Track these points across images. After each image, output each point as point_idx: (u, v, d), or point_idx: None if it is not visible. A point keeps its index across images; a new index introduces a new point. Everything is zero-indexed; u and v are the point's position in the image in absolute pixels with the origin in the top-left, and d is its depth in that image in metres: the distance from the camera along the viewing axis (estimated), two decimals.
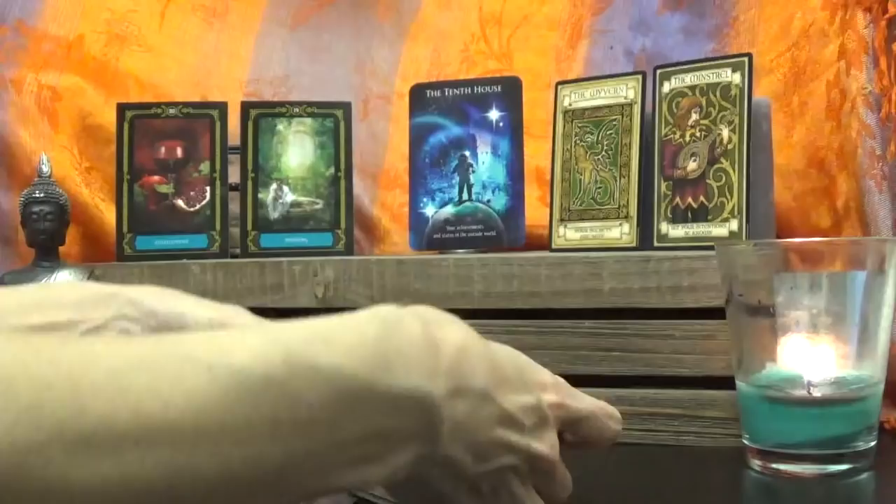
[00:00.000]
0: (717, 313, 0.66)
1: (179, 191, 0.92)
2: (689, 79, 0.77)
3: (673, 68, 0.79)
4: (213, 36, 1.12)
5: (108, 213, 1.00)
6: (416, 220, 0.88)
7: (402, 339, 0.36)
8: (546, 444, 0.44)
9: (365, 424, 0.35)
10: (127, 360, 0.31)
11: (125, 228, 0.92)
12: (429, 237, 0.87)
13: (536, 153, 0.94)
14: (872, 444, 0.61)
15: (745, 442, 0.63)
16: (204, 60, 1.11)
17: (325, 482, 0.35)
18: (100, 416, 0.29)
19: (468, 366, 0.39)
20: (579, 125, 0.83)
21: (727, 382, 0.65)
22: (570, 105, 0.84)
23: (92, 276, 0.87)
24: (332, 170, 0.92)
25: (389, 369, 0.35)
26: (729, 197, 0.73)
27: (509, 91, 0.87)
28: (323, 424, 0.33)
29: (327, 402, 0.33)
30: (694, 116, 0.76)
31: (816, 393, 0.61)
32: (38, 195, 0.90)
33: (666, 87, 0.78)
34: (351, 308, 0.44)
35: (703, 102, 0.76)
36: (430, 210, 0.87)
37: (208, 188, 0.92)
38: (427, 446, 0.37)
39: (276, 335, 0.34)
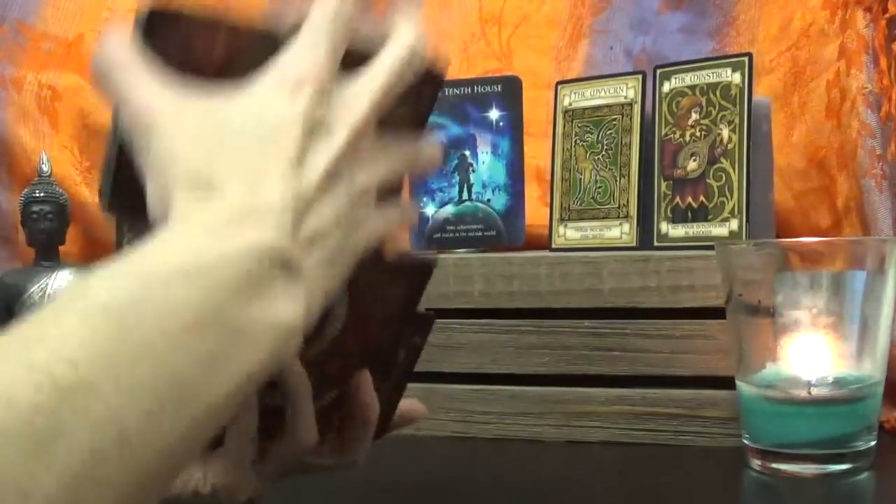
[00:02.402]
0: (717, 313, 0.66)
1: None
2: (689, 78, 0.77)
3: (673, 68, 0.79)
4: None
5: None
6: (416, 219, 0.88)
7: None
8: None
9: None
10: None
11: (125, 228, 0.92)
12: (429, 237, 0.87)
13: (536, 153, 0.94)
14: (872, 444, 0.61)
15: (745, 442, 0.63)
16: None
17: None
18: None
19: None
20: (579, 125, 0.83)
21: (727, 382, 0.65)
22: (570, 105, 0.84)
23: None
24: None
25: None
26: (729, 197, 0.73)
27: (509, 91, 0.87)
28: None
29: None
30: (694, 116, 0.76)
31: (816, 393, 0.61)
32: (38, 195, 0.90)
33: (666, 87, 0.78)
34: None
35: (704, 102, 0.76)
36: (430, 209, 0.87)
37: None
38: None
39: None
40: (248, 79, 0.39)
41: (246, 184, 0.36)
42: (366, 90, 0.40)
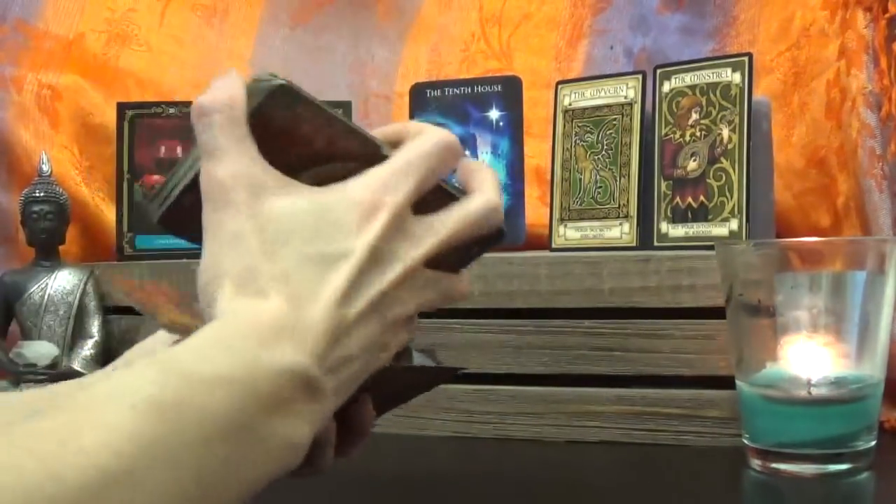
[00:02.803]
0: (717, 313, 0.66)
1: None
2: (690, 78, 0.77)
3: (673, 68, 0.79)
4: (213, 35, 1.12)
5: (108, 213, 1.00)
6: None
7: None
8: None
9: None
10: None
11: (125, 227, 0.92)
12: None
13: (536, 153, 0.94)
14: (872, 444, 0.61)
15: (745, 442, 0.63)
16: (204, 60, 1.11)
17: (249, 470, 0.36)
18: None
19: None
20: (579, 125, 0.83)
21: (727, 382, 0.65)
22: (570, 105, 0.84)
23: (92, 275, 0.87)
24: None
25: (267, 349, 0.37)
26: (729, 196, 0.73)
27: (509, 91, 0.87)
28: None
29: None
30: (694, 116, 0.76)
31: (816, 393, 0.61)
32: (38, 194, 0.90)
33: (666, 87, 0.78)
34: None
35: (704, 102, 0.76)
36: None
37: None
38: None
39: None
40: (334, 176, 0.40)
41: (294, 298, 0.38)
42: (435, 231, 0.41)
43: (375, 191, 0.40)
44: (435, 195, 0.42)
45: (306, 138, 0.41)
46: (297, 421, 0.37)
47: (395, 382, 0.48)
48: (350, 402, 0.48)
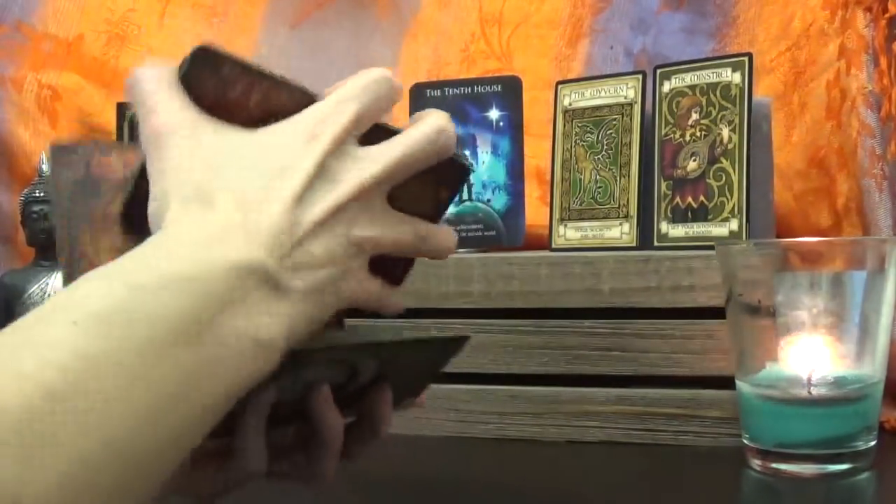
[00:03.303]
0: (717, 313, 0.66)
1: None
2: (690, 78, 0.77)
3: (673, 68, 0.79)
4: (213, 35, 1.12)
5: None
6: None
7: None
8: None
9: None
10: None
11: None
12: None
13: (536, 153, 0.94)
14: (872, 444, 0.61)
15: (745, 442, 0.63)
16: None
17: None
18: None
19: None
20: (579, 125, 0.83)
21: (727, 382, 0.65)
22: (570, 105, 0.84)
23: None
24: None
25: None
26: (729, 197, 0.73)
27: (509, 91, 0.87)
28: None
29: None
30: (694, 116, 0.76)
31: (816, 393, 0.61)
32: (38, 194, 0.90)
33: (666, 87, 0.78)
34: None
35: (704, 102, 0.76)
36: None
37: None
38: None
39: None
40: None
41: (243, 204, 0.38)
42: (382, 154, 0.41)
43: (316, 120, 0.40)
44: (380, 137, 0.42)
45: (240, 100, 0.41)
46: (261, 318, 0.36)
47: (399, 363, 0.48)
48: (368, 394, 0.48)
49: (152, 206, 0.39)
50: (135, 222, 0.43)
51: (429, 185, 0.44)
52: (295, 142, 0.40)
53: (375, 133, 0.42)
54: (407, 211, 0.43)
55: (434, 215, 0.46)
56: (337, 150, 0.40)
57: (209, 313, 0.34)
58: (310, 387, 0.45)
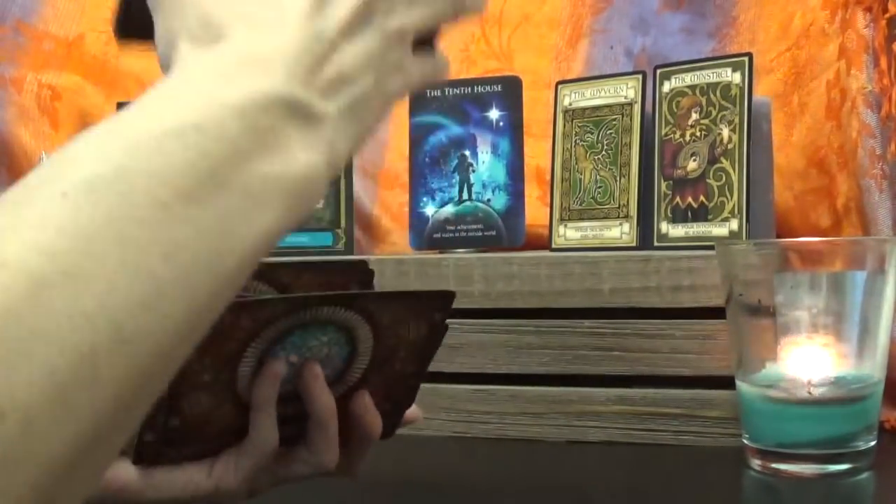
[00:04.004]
0: (717, 313, 0.66)
1: None
2: (690, 78, 0.77)
3: (673, 68, 0.79)
4: None
5: None
6: (416, 219, 0.88)
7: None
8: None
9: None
10: None
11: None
12: (429, 237, 0.87)
13: (536, 153, 0.94)
14: (872, 444, 0.61)
15: (745, 442, 0.63)
16: None
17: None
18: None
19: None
20: (579, 125, 0.83)
21: (727, 382, 0.65)
22: (570, 105, 0.84)
23: None
24: None
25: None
26: (729, 196, 0.73)
27: (509, 90, 0.87)
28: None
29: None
30: (694, 116, 0.76)
31: (816, 393, 0.61)
32: None
33: (666, 87, 0.78)
34: None
35: (704, 102, 0.76)
36: (430, 209, 0.87)
37: None
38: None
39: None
40: None
41: (257, 30, 0.33)
42: None
43: None
44: None
45: None
46: (294, 156, 0.31)
47: (390, 319, 0.48)
48: (356, 399, 0.48)
49: (160, 48, 0.35)
50: (134, 33, 0.40)
51: None
52: None
53: None
54: None
55: None
56: None
57: (227, 161, 0.29)
58: (310, 360, 0.46)
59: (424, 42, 0.39)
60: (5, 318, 0.25)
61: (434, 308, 0.49)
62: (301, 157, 0.31)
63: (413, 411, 0.54)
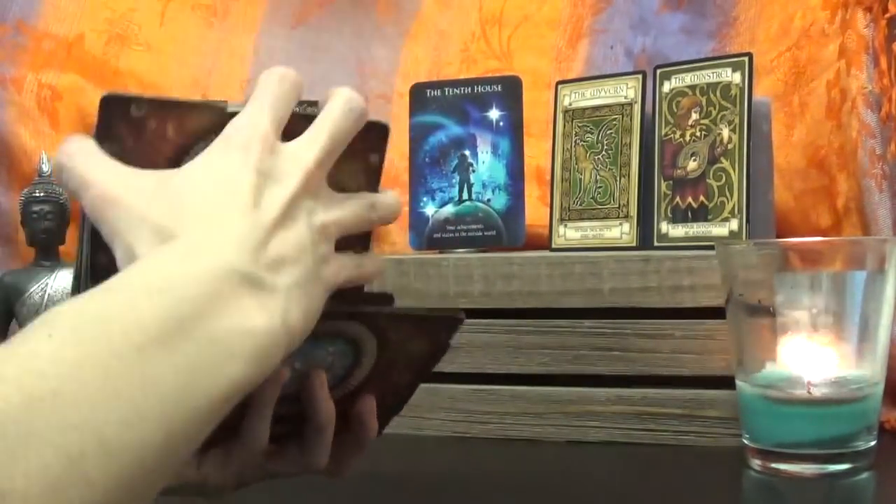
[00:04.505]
0: (717, 313, 0.66)
1: None
2: (690, 78, 0.77)
3: (673, 68, 0.79)
4: (213, 35, 1.12)
5: None
6: (416, 219, 0.88)
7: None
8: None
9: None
10: None
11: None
12: (429, 237, 0.87)
13: (536, 153, 0.94)
14: (872, 444, 0.61)
15: (745, 442, 0.63)
16: (204, 60, 1.11)
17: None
18: None
19: None
20: (579, 125, 0.83)
21: (727, 382, 0.65)
22: (570, 105, 0.84)
23: None
24: None
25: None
26: (729, 196, 0.73)
27: (509, 90, 0.87)
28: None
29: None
30: (694, 116, 0.76)
31: (816, 393, 0.61)
32: (38, 194, 0.90)
33: (666, 87, 0.78)
34: None
35: (704, 102, 0.76)
36: (430, 209, 0.87)
37: None
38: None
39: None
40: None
41: (204, 224, 0.38)
42: (312, 141, 0.43)
43: (241, 134, 0.41)
44: (300, 125, 0.44)
45: (159, 133, 0.43)
46: (252, 313, 0.36)
47: (396, 337, 0.48)
48: (356, 403, 0.48)
49: (121, 263, 0.39)
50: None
51: (357, 157, 0.45)
52: (231, 161, 0.41)
53: (294, 123, 0.43)
54: (348, 189, 0.45)
55: (373, 183, 0.47)
56: (270, 153, 0.41)
57: (191, 316, 0.35)
58: (314, 368, 0.46)
59: (360, 241, 0.45)
60: (4, 422, 0.29)
61: (442, 329, 0.49)
62: (258, 318, 0.37)
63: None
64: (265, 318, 0.37)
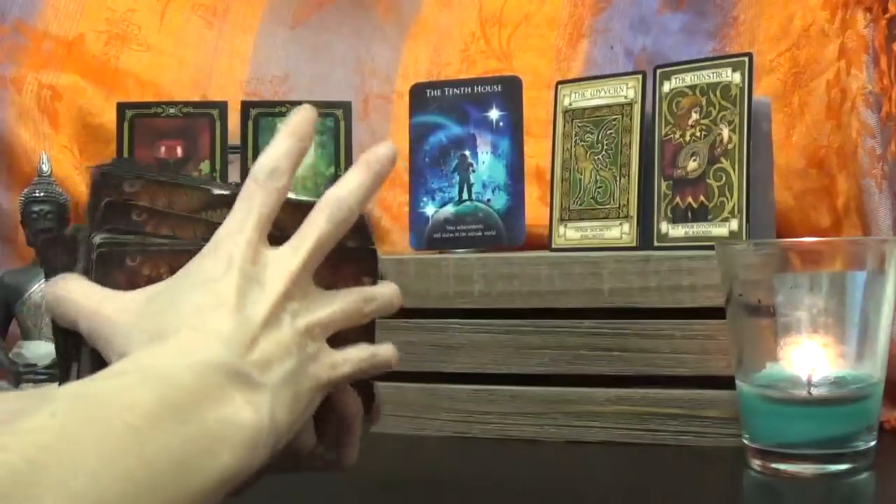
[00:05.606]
0: (717, 313, 0.66)
1: None
2: (690, 78, 0.77)
3: (673, 68, 0.79)
4: (213, 35, 1.12)
5: None
6: (416, 219, 0.88)
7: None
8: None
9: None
10: None
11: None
12: (429, 237, 0.87)
13: (536, 153, 0.94)
14: (872, 444, 0.61)
15: (745, 442, 0.63)
16: (204, 59, 1.11)
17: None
18: None
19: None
20: (579, 125, 0.83)
21: (727, 382, 0.65)
22: (570, 105, 0.84)
23: None
24: (332, 169, 0.92)
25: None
26: (729, 197, 0.73)
27: (509, 91, 0.87)
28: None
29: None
30: (694, 116, 0.76)
31: (816, 393, 0.61)
32: (38, 194, 0.90)
33: (666, 87, 0.78)
34: None
35: (704, 102, 0.76)
36: (430, 210, 0.87)
37: None
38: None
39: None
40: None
41: (195, 325, 0.41)
42: (296, 249, 0.44)
43: (225, 244, 0.43)
44: (292, 215, 0.46)
45: (154, 276, 0.45)
46: (241, 409, 0.39)
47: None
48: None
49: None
50: None
51: (345, 257, 0.47)
52: (216, 270, 0.42)
53: (285, 213, 0.45)
54: (341, 285, 0.47)
55: (361, 275, 0.48)
56: (253, 259, 0.43)
57: (184, 404, 0.37)
58: None
59: (364, 333, 0.47)
60: (7, 485, 0.30)
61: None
62: (246, 412, 0.39)
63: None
64: (252, 413, 0.39)
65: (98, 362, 0.43)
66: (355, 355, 0.45)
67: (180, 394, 0.37)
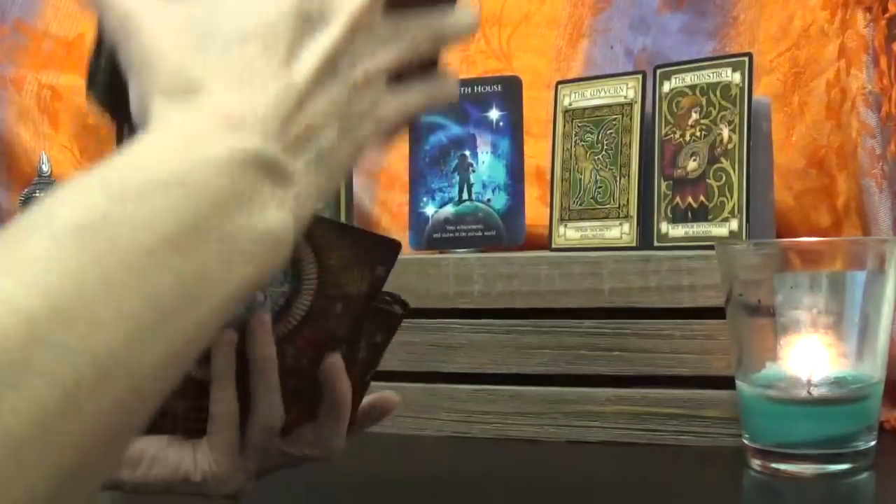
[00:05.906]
0: (717, 313, 0.66)
1: None
2: (690, 78, 0.77)
3: (673, 68, 0.79)
4: None
5: None
6: (416, 219, 0.88)
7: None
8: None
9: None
10: None
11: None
12: (429, 237, 0.87)
13: (536, 153, 0.94)
14: (872, 444, 0.61)
15: (745, 442, 0.63)
16: None
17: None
18: None
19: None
20: (579, 125, 0.83)
21: (727, 382, 0.65)
22: (570, 104, 0.84)
23: None
24: None
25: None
26: (729, 197, 0.73)
27: (509, 90, 0.87)
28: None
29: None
30: (694, 116, 0.76)
31: (816, 393, 0.61)
32: (38, 194, 0.90)
33: (666, 87, 0.78)
34: None
35: (704, 102, 0.76)
36: (429, 209, 0.87)
37: None
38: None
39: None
40: None
41: (230, 85, 0.34)
42: None
43: None
44: None
45: None
46: (268, 211, 0.33)
47: (345, 266, 0.48)
48: (317, 368, 0.48)
49: (134, 106, 0.36)
50: (119, 113, 0.40)
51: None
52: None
53: None
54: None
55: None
56: None
57: (205, 212, 0.31)
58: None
59: (428, 65, 0.40)
60: (4, 351, 0.26)
61: (378, 256, 0.48)
62: (273, 215, 0.33)
63: (388, 397, 0.53)
64: (279, 218, 0.33)
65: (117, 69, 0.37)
66: (420, 89, 0.40)
67: (204, 204, 0.31)
